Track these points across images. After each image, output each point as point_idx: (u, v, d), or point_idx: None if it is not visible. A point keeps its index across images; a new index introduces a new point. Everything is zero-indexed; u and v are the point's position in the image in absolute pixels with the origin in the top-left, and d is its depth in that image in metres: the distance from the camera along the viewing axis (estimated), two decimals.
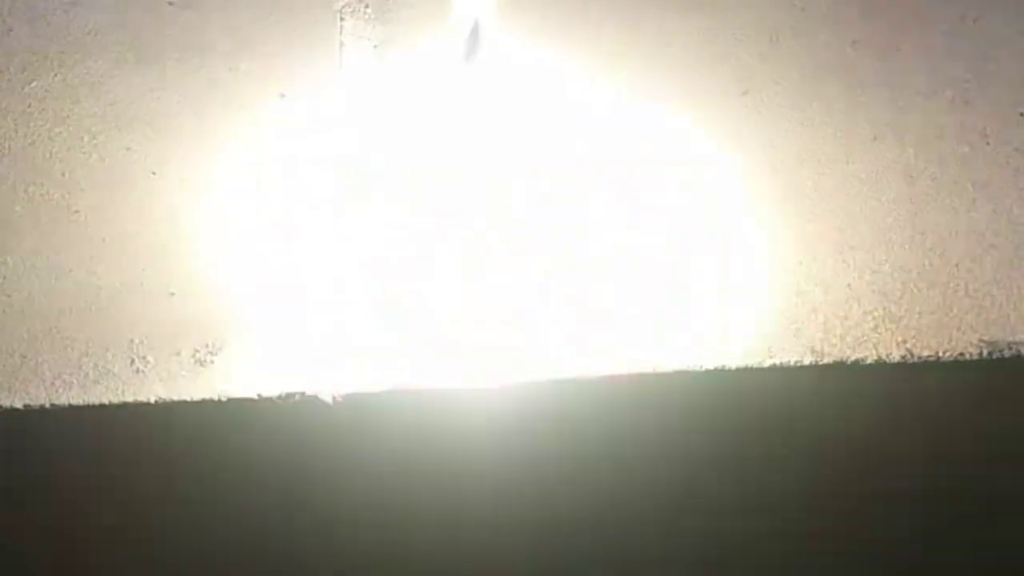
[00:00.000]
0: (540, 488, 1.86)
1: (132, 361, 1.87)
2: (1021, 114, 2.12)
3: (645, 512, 1.91)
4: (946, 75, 2.17)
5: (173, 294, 1.95)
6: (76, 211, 2.05)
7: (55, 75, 2.17)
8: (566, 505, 1.89)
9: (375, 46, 2.19)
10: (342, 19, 2.21)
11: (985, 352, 1.86)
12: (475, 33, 1.83)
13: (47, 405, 1.84)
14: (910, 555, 1.96)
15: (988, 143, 2.09)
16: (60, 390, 1.85)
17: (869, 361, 1.87)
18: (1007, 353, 1.86)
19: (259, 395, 1.84)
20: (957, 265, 1.96)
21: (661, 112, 2.15)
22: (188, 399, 1.83)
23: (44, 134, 2.13)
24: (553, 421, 1.87)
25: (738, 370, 1.86)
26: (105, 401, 1.84)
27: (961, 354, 1.86)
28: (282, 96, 2.16)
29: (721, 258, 1.97)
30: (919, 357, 1.87)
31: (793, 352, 1.88)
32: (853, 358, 1.87)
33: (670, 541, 1.96)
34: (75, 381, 1.85)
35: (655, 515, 1.91)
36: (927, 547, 1.94)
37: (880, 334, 1.89)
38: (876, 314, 1.91)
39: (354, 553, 1.87)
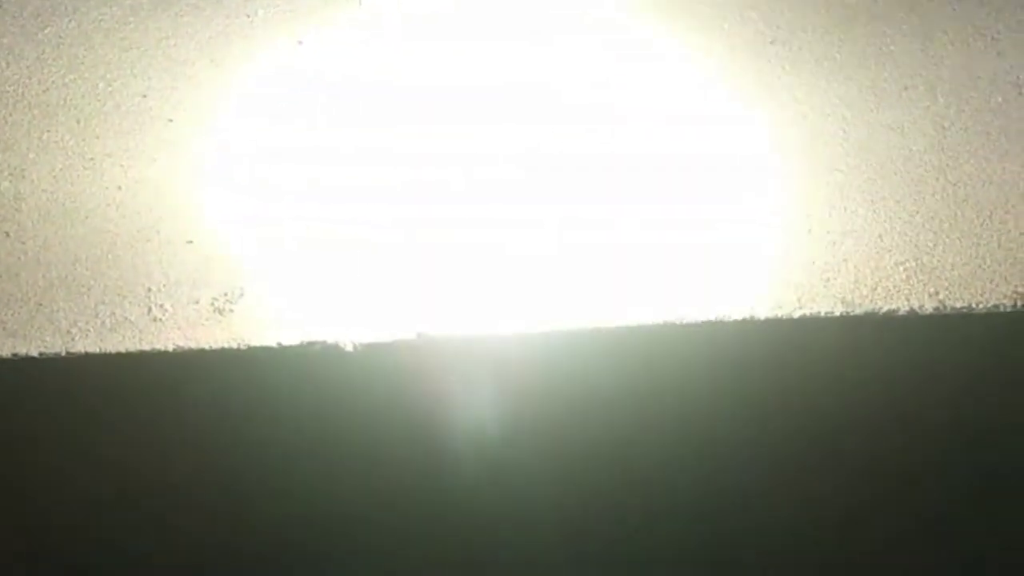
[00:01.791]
0: (560, 439, 1.83)
1: (149, 309, 1.84)
2: None
3: (664, 464, 1.88)
4: (978, 25, 2.13)
5: (191, 241, 1.91)
6: (91, 158, 2.01)
7: (70, 21, 2.13)
8: (585, 454, 1.85)
9: None
10: None
11: (1019, 303, 1.82)
12: None
13: (63, 353, 1.80)
14: (938, 510, 1.93)
15: (1021, 93, 2.05)
16: (76, 338, 1.81)
17: (901, 312, 1.83)
18: None
19: (279, 344, 1.80)
20: (990, 215, 1.92)
21: (686, 61, 2.12)
22: (207, 348, 1.79)
23: (58, 81, 2.10)
24: (572, 371, 1.83)
25: (767, 321, 1.82)
26: (122, 349, 1.80)
27: (995, 305, 1.82)
28: (300, 43, 2.13)
29: (750, 208, 1.94)
30: (952, 308, 1.83)
31: (823, 303, 1.84)
32: (885, 309, 1.83)
33: (690, 494, 1.93)
34: (91, 329, 1.82)
35: (675, 467, 1.87)
36: (956, 501, 1.91)
37: (912, 285, 1.86)
38: (908, 265, 1.87)
39: (374, 502, 1.84)
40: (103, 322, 1.83)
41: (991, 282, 1.85)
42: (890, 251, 1.89)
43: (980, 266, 1.87)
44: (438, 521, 1.86)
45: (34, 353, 1.80)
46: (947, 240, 1.90)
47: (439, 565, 1.90)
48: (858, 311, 1.83)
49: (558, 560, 1.89)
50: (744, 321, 1.82)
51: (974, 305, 1.83)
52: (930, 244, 1.90)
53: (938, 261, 1.88)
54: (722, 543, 1.92)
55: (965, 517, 1.91)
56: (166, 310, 1.84)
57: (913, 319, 1.83)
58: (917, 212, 1.93)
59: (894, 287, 1.86)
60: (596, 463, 1.86)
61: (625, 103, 2.08)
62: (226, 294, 1.85)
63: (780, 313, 1.83)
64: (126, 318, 1.83)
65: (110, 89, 2.08)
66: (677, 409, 1.84)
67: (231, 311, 1.83)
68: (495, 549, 1.89)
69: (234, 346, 1.80)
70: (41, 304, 1.85)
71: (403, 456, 1.84)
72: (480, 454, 1.84)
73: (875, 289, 1.85)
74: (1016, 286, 1.84)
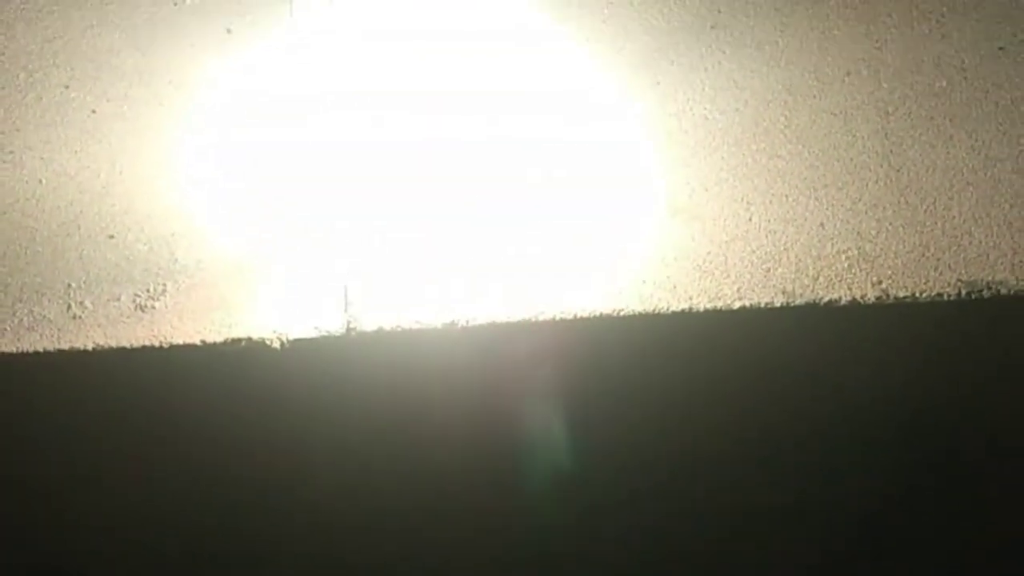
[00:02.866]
0: (502, 433, 1.78)
1: (69, 307, 1.78)
2: (1000, 48, 2.04)
3: (612, 457, 1.83)
4: (922, 8, 2.09)
5: (112, 237, 1.85)
6: (10, 151, 1.95)
7: None
8: (517, 447, 1.81)
9: None
10: None
11: (964, 292, 1.78)
12: None
13: None
14: (884, 496, 1.89)
15: (966, 77, 2.01)
16: None
17: (843, 302, 1.78)
18: (986, 293, 1.78)
19: (203, 341, 1.74)
20: (934, 202, 1.88)
21: (624, 42, 2.07)
22: (128, 346, 1.73)
23: None
24: (506, 364, 1.78)
25: (707, 312, 1.77)
26: (40, 348, 1.74)
27: (939, 294, 1.78)
28: (229, 32, 2.07)
29: (687, 197, 1.89)
30: (895, 297, 1.78)
31: (763, 293, 1.79)
32: (826, 299, 1.78)
33: (635, 489, 1.89)
34: (8, 328, 1.76)
35: (620, 462, 1.83)
36: (901, 487, 1.87)
37: (854, 274, 1.81)
38: (850, 253, 1.83)
39: (304, 500, 1.79)
40: (20, 320, 1.77)
41: (935, 270, 1.81)
42: (832, 239, 1.85)
43: (924, 254, 1.83)
44: (366, 516, 1.81)
45: None
46: (890, 228, 1.86)
47: (374, 557, 1.86)
48: (799, 301, 1.78)
49: (486, 550, 1.85)
50: (682, 313, 1.77)
51: (918, 294, 1.79)
52: (873, 232, 1.85)
53: (881, 249, 1.83)
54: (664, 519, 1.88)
55: (911, 505, 1.87)
56: (86, 307, 1.78)
57: (855, 308, 1.78)
58: (860, 199, 1.89)
59: (836, 276, 1.81)
60: (531, 456, 1.82)
61: (559, 87, 2.03)
62: (148, 290, 1.79)
63: (719, 304, 1.78)
64: (44, 316, 1.77)
65: (31, 80, 2.02)
66: (612, 401, 1.79)
67: (153, 308, 1.77)
68: (422, 543, 1.84)
69: (156, 344, 1.74)
70: None
71: (333, 455, 1.79)
72: (412, 450, 1.79)
73: (816, 279, 1.81)
74: (960, 274, 1.80)
